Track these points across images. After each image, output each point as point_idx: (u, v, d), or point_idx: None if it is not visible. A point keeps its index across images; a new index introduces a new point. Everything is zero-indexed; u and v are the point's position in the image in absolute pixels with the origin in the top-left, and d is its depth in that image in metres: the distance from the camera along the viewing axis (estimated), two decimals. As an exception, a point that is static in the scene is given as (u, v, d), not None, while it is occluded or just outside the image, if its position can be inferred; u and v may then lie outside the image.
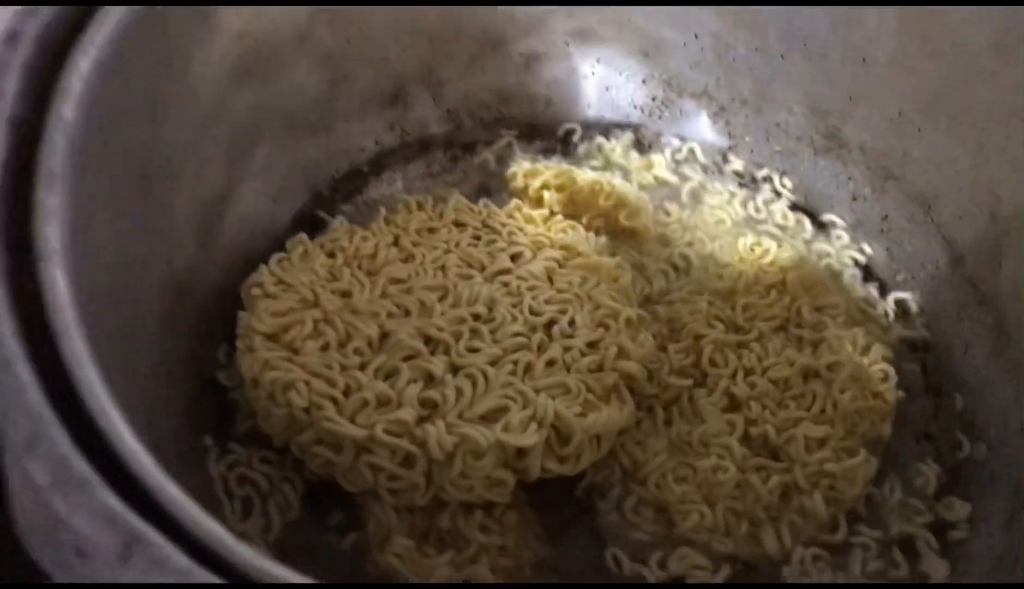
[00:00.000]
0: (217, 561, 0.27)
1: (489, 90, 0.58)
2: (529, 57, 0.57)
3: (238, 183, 0.49)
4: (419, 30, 0.54)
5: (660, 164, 0.58)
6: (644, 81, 0.58)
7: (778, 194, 0.57)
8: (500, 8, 0.55)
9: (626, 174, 0.57)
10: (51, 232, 0.32)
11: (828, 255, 0.54)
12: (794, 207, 0.56)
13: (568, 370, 0.44)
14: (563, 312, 0.46)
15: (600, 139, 0.58)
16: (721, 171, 0.58)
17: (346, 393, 0.42)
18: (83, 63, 0.35)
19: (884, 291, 0.53)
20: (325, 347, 0.44)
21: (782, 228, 0.55)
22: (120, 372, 0.36)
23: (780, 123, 0.56)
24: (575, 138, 0.59)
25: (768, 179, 0.57)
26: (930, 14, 0.47)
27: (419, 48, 0.55)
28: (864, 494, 0.45)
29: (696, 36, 0.55)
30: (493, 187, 0.57)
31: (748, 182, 0.57)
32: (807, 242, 0.55)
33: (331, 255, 0.49)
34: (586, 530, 0.45)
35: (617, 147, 0.58)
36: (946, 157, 0.49)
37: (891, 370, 0.48)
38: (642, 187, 0.57)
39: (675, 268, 0.53)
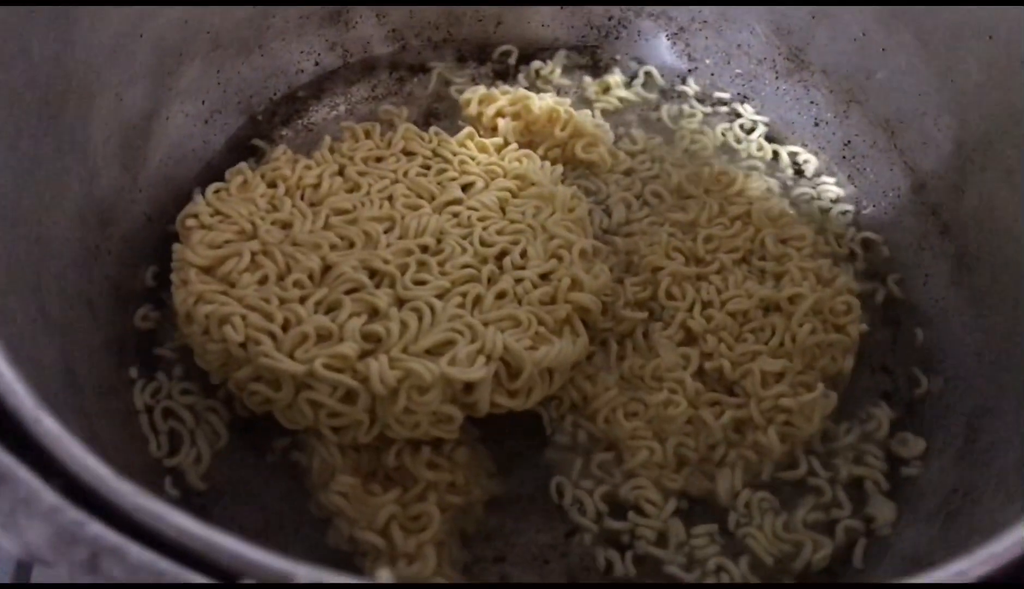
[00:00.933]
0: (95, 498, 0.25)
1: (436, 9, 0.55)
2: (479, -27, 0.54)
3: (164, 104, 0.47)
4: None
5: (616, 85, 0.55)
6: (599, -2, 0.55)
7: (748, 124, 0.54)
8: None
9: (586, 101, 0.55)
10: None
11: (799, 186, 0.53)
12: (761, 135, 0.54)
13: (519, 302, 0.42)
14: (515, 243, 0.44)
15: (538, 62, 0.55)
16: (680, 96, 0.56)
17: (284, 327, 0.40)
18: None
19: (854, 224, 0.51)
20: (263, 280, 0.42)
21: (755, 158, 0.54)
22: (28, 301, 0.33)
23: (741, 45, 0.54)
24: (511, 59, 0.56)
25: (726, 102, 0.55)
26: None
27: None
28: (821, 430, 0.44)
29: (656, -51, 0.53)
30: (443, 112, 0.54)
31: (708, 107, 0.55)
32: (778, 172, 0.53)
33: (272, 185, 0.47)
34: (538, 466, 0.43)
35: (556, 69, 0.55)
36: (910, 80, 0.48)
37: (855, 302, 0.46)
38: (606, 113, 0.55)
39: (637, 198, 0.51)
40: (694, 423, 0.43)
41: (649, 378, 0.44)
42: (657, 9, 0.55)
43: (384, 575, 0.38)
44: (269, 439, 0.42)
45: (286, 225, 0.44)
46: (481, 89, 0.53)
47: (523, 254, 0.44)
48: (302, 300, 0.41)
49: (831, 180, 0.52)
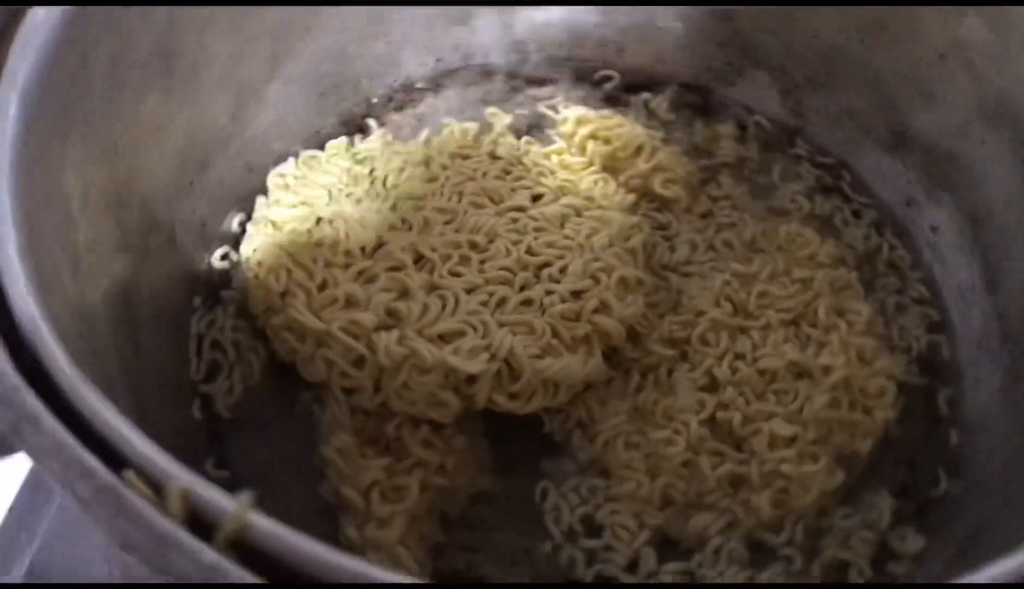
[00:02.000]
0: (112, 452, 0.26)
1: (561, 27, 0.57)
2: (608, -1, 0.56)
3: (283, 71, 0.51)
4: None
5: (726, 135, 0.56)
6: (720, 44, 0.56)
7: (844, 193, 0.54)
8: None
9: (694, 146, 0.56)
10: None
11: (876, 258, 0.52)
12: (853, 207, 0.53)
13: (543, 312, 0.44)
14: (559, 258, 0.46)
15: (647, 94, 0.56)
16: (783, 151, 0.55)
17: (321, 287, 0.44)
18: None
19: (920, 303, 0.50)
20: (319, 243, 0.46)
21: (838, 226, 0.53)
22: (106, 217, 0.38)
23: (851, 110, 0.53)
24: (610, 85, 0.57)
25: (825, 167, 0.54)
26: (1009, 16, 0.43)
27: (492, -29, 0.55)
28: (819, 505, 0.43)
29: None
30: (545, 126, 0.56)
31: (807, 167, 0.55)
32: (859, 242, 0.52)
33: (359, 162, 0.50)
34: (534, 473, 0.45)
35: (664, 103, 0.56)
36: (1002, 178, 0.46)
37: (890, 388, 0.45)
38: (700, 151, 0.55)
39: (706, 242, 0.51)
40: (690, 467, 0.43)
41: (659, 415, 0.45)
42: (776, 62, 0.55)
43: (350, 534, 0.41)
44: (297, 390, 0.46)
45: (359, 200, 0.48)
46: (580, 110, 0.55)
47: (562, 270, 0.46)
48: (345, 267, 0.44)
49: (908, 258, 0.51)
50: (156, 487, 0.25)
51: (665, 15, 0.56)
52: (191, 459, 0.40)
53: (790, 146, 0.56)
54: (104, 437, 0.26)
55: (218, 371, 0.46)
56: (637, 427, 0.44)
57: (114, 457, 0.25)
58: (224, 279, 0.48)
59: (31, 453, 0.26)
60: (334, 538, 0.41)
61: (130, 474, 0.25)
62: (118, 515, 0.24)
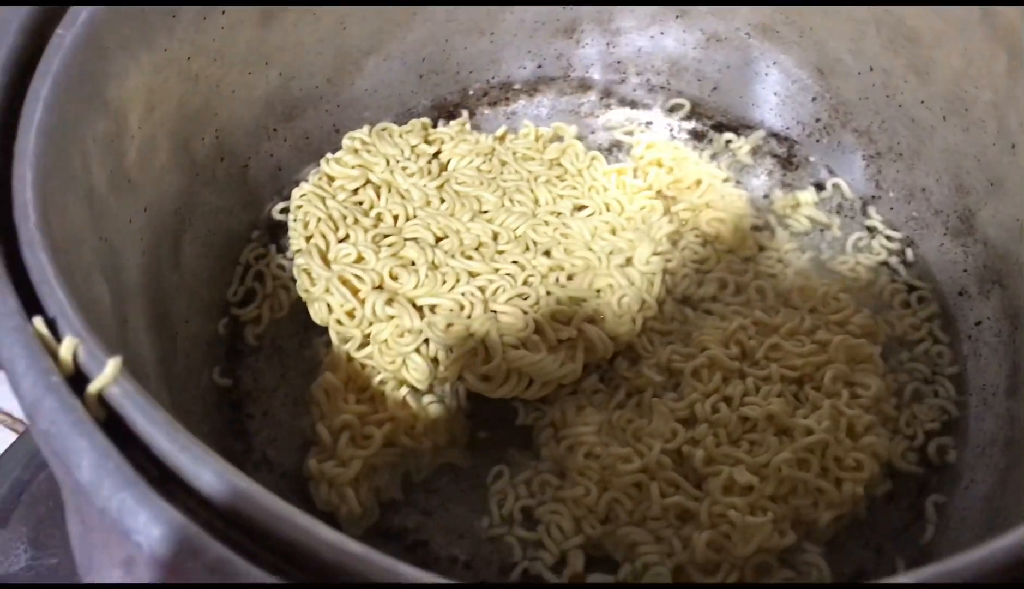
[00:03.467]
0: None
1: (663, 55, 0.59)
2: (711, 36, 0.57)
3: (386, 47, 0.55)
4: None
5: (806, 202, 0.55)
6: (813, 98, 0.56)
7: (904, 273, 0.52)
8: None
9: (773, 213, 0.55)
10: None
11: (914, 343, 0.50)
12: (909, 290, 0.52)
13: (537, 306, 0.46)
14: (572, 265, 0.48)
15: (730, 134, 0.57)
16: (855, 219, 0.54)
17: (342, 240, 0.47)
18: None
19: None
20: (359, 203, 0.50)
21: (886, 301, 0.51)
22: (179, 142, 0.44)
23: (925, 188, 0.52)
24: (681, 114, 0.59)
25: (893, 240, 0.53)
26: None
27: (604, -11, 0.57)
28: (760, 560, 0.42)
29: (871, 68, 0.52)
30: (625, 146, 0.58)
31: (879, 241, 0.53)
32: (906, 320, 0.50)
33: (430, 142, 0.54)
34: (504, 458, 0.47)
35: (746, 147, 0.56)
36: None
37: (869, 466, 0.44)
38: (780, 218, 0.55)
39: (738, 284, 0.51)
40: (641, 490, 0.44)
41: (629, 434, 0.45)
42: (863, 126, 0.54)
43: (311, 465, 0.44)
44: (315, 333, 0.50)
45: (411, 175, 0.51)
46: (653, 137, 0.56)
47: (570, 277, 0.47)
48: (368, 228, 0.48)
49: (947, 350, 0.49)
50: (58, 341, 0.29)
51: (764, 60, 0.56)
52: (202, 364, 0.46)
53: (864, 215, 0.54)
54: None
55: (252, 299, 0.51)
56: (603, 440, 0.45)
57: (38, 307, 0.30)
58: (285, 225, 0.53)
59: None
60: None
61: (38, 321, 0.29)
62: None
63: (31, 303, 0.30)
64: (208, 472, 0.26)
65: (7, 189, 0.33)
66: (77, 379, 0.29)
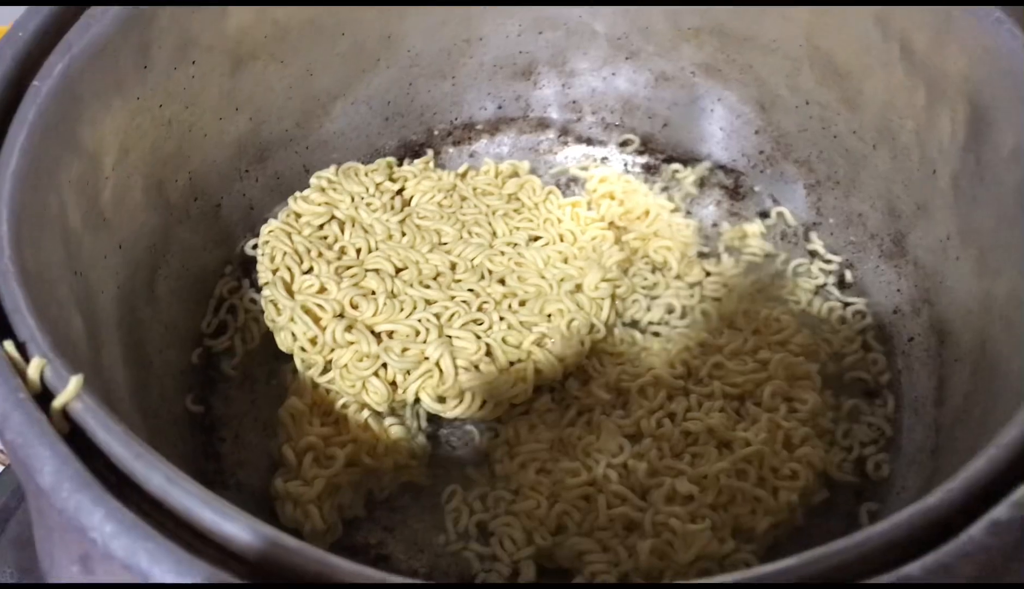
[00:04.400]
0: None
1: (615, 94, 0.62)
2: (659, 76, 0.60)
3: (352, 92, 0.58)
4: (555, 20, 0.59)
5: (753, 234, 0.58)
6: (756, 132, 0.59)
7: (843, 294, 0.55)
8: (640, 20, 0.58)
9: (725, 245, 0.58)
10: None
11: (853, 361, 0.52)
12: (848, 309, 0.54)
13: (489, 331, 0.49)
14: (525, 292, 0.51)
15: (677, 165, 0.60)
16: (798, 245, 0.57)
17: (306, 272, 0.50)
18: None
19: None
20: (324, 238, 0.53)
21: (824, 319, 0.54)
22: (158, 178, 0.47)
23: (862, 214, 0.55)
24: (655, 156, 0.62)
25: (831, 263, 0.56)
26: (991, 134, 0.43)
27: (556, 36, 0.60)
28: (702, 568, 0.44)
29: (807, 102, 0.55)
30: (580, 180, 0.61)
31: (818, 265, 0.56)
32: (845, 339, 0.53)
33: (393, 179, 0.57)
34: (461, 476, 0.49)
35: (691, 177, 0.59)
36: (965, 294, 0.46)
37: (805, 474, 0.46)
38: (730, 250, 0.58)
39: (684, 308, 0.54)
40: (589, 502, 0.46)
41: (579, 450, 0.48)
42: (803, 156, 0.57)
43: (277, 484, 0.47)
44: (282, 361, 0.52)
45: (375, 210, 0.54)
46: (606, 171, 0.59)
47: (522, 303, 0.50)
48: (331, 261, 0.51)
49: (884, 364, 0.51)
50: (27, 361, 0.32)
51: (709, 97, 0.59)
52: (176, 391, 0.48)
53: (806, 240, 0.57)
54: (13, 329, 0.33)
55: (225, 330, 0.54)
56: (554, 456, 0.48)
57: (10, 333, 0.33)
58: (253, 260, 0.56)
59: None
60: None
61: (8, 344, 0.32)
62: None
63: (3, 329, 0.33)
64: (158, 475, 0.29)
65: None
66: (44, 396, 0.31)
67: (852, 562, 0.28)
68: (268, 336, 0.53)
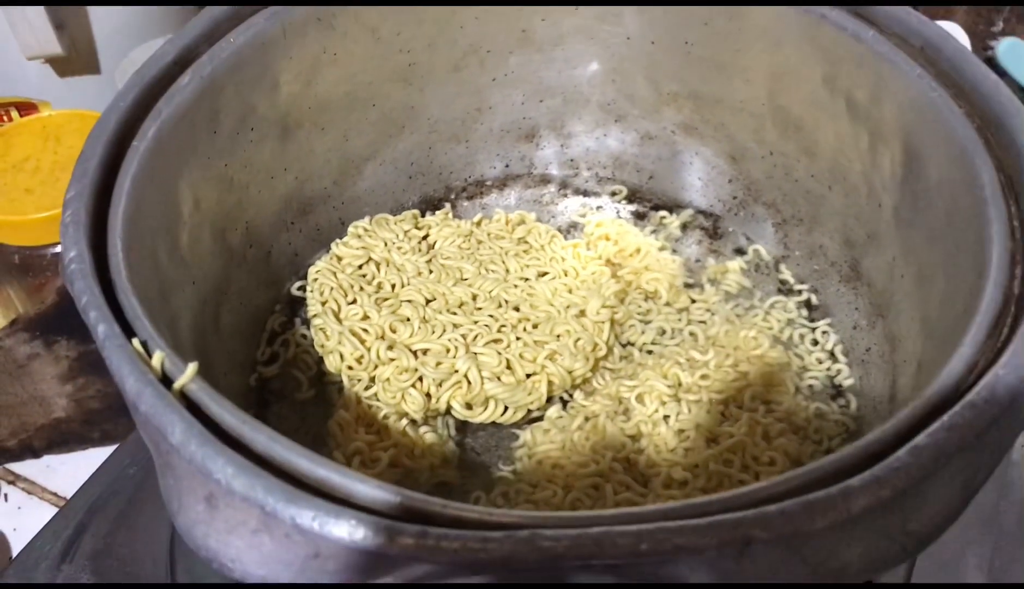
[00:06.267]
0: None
1: (607, 152, 0.71)
2: (644, 135, 0.70)
3: (381, 154, 0.67)
4: (554, 90, 0.69)
5: (734, 270, 0.66)
6: (730, 180, 0.68)
7: (810, 319, 0.63)
8: (626, 88, 0.68)
9: (708, 278, 0.67)
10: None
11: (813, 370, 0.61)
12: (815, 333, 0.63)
13: (508, 348, 0.57)
14: (537, 317, 0.59)
15: (664, 212, 0.69)
16: (770, 275, 0.66)
17: (350, 303, 0.59)
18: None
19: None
20: (364, 275, 0.61)
21: (797, 344, 0.62)
22: (222, 234, 0.56)
23: (823, 246, 0.63)
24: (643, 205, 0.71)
25: (800, 293, 0.64)
26: (922, 169, 0.52)
27: (554, 104, 0.70)
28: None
29: (771, 153, 0.64)
30: (579, 225, 0.70)
31: (787, 298, 0.65)
32: (813, 355, 0.61)
33: (419, 227, 0.66)
34: (486, 475, 0.57)
35: (676, 222, 0.68)
36: (908, 306, 0.54)
37: (782, 461, 0.54)
38: (712, 282, 0.66)
39: (674, 329, 0.63)
40: (598, 490, 0.54)
41: (587, 449, 0.56)
42: (770, 199, 0.66)
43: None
44: (328, 381, 0.60)
45: (405, 253, 0.63)
46: (604, 217, 0.68)
47: (535, 326, 0.59)
48: (371, 294, 0.59)
49: (846, 371, 0.60)
50: (150, 354, 0.40)
51: (688, 152, 0.69)
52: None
53: (777, 271, 0.66)
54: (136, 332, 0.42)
55: (276, 359, 0.62)
56: (567, 454, 0.56)
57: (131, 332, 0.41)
58: (302, 300, 0.65)
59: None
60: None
61: (136, 342, 0.40)
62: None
63: (128, 332, 0.41)
64: (262, 436, 0.37)
65: (105, 253, 0.44)
66: (163, 382, 0.39)
67: (805, 483, 0.36)
68: (312, 366, 0.61)
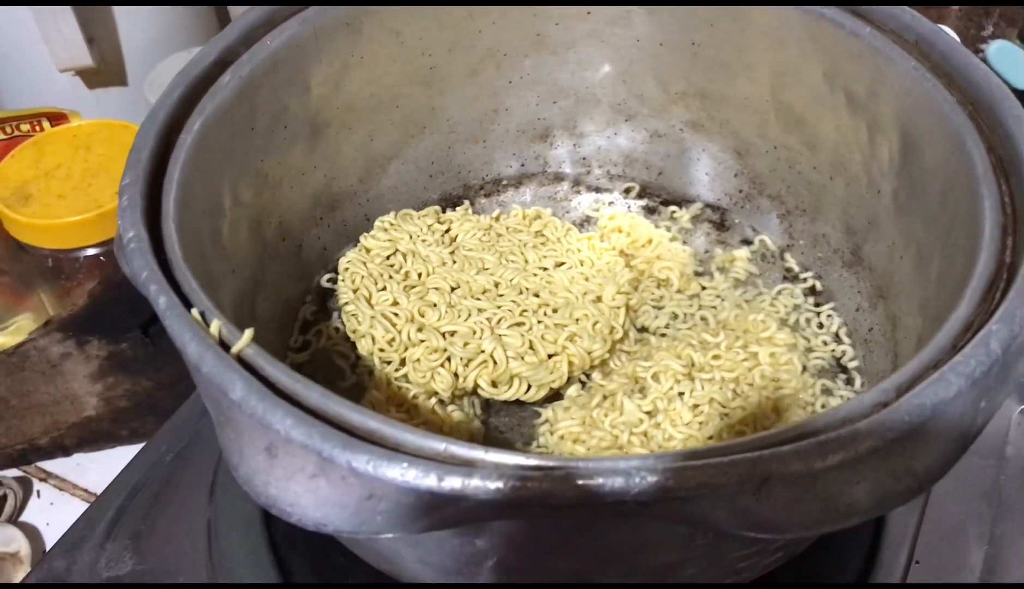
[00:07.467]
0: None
1: (618, 151, 0.75)
2: (653, 133, 0.73)
3: (404, 154, 0.71)
4: (567, 91, 0.72)
5: (741, 258, 0.70)
6: (736, 175, 0.71)
7: (816, 303, 0.67)
8: (636, 88, 0.72)
9: (717, 266, 0.70)
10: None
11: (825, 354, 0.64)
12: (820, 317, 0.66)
13: (530, 331, 0.60)
14: (556, 303, 0.62)
15: (674, 207, 0.73)
16: (776, 264, 0.69)
17: (380, 290, 0.62)
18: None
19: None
20: (391, 265, 0.65)
21: (804, 328, 0.66)
22: (257, 227, 0.59)
23: (825, 234, 0.67)
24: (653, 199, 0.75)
25: (805, 280, 0.68)
26: (918, 155, 0.55)
27: (567, 105, 0.73)
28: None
29: (775, 147, 0.68)
30: (593, 220, 0.73)
31: (792, 285, 0.68)
32: (819, 338, 0.65)
33: (441, 222, 0.69)
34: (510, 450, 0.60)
35: (686, 216, 0.72)
36: (910, 287, 0.58)
37: (791, 434, 0.57)
38: (721, 270, 0.70)
39: (686, 314, 0.66)
40: (617, 462, 0.57)
41: (607, 425, 0.59)
42: (775, 191, 0.69)
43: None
44: (358, 369, 0.64)
45: (429, 245, 0.67)
46: (616, 211, 0.71)
47: (554, 310, 0.62)
48: (399, 282, 0.63)
49: (851, 351, 0.63)
50: (207, 323, 0.43)
51: (696, 149, 0.72)
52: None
53: (782, 260, 0.69)
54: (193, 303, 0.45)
55: (308, 346, 0.65)
56: (587, 430, 0.59)
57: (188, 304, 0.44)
58: (331, 292, 0.68)
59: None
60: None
61: (195, 311, 0.43)
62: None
63: (187, 304, 0.45)
64: (315, 392, 0.40)
65: (159, 236, 0.48)
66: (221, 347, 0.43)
67: (817, 429, 0.39)
68: (346, 353, 0.64)
